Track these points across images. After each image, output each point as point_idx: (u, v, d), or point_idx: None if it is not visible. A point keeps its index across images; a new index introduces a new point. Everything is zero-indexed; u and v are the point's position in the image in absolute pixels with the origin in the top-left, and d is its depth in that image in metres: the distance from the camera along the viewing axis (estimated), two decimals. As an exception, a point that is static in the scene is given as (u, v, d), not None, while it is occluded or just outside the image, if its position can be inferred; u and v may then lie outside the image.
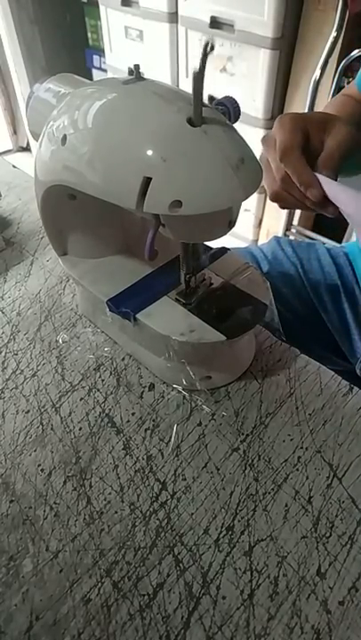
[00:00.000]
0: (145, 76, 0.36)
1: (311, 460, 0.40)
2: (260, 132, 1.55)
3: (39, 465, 0.41)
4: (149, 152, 0.32)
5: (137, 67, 0.35)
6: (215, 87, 1.51)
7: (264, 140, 0.47)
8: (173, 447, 0.42)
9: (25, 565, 0.35)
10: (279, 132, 0.45)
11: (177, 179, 0.32)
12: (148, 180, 0.32)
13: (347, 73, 1.25)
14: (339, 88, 1.29)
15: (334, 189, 0.42)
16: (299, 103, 1.44)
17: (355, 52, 1.17)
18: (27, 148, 2.69)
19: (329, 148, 0.44)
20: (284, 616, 0.33)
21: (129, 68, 0.36)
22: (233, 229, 0.38)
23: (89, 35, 2.17)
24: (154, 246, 0.37)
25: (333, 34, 1.23)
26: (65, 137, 0.36)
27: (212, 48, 0.27)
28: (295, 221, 1.53)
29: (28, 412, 0.45)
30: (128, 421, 0.44)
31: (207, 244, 0.47)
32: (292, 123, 0.44)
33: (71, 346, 0.51)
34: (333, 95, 1.32)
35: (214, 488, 0.39)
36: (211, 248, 0.49)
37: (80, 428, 0.43)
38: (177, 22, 1.58)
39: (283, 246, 0.70)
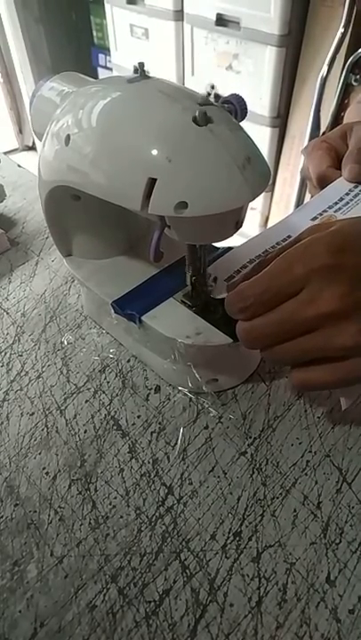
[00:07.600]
0: (150, 75, 0.36)
1: (320, 465, 0.40)
2: (267, 131, 1.54)
3: (44, 468, 0.41)
4: (154, 152, 0.31)
5: (141, 65, 0.35)
6: (221, 85, 1.50)
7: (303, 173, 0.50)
8: (180, 451, 0.41)
9: (29, 571, 0.35)
10: (311, 165, 0.47)
11: (182, 179, 0.31)
12: (152, 181, 0.31)
13: (354, 70, 1.24)
14: (346, 85, 1.28)
15: None
16: (306, 101, 1.43)
17: (362, 49, 1.16)
18: (32, 148, 2.70)
19: (350, 147, 0.46)
20: (293, 624, 0.32)
21: (134, 67, 0.36)
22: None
23: (94, 33, 2.17)
24: (159, 248, 0.36)
25: (341, 30, 1.22)
26: (68, 137, 0.36)
27: (213, 88, 0.29)
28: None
29: (33, 414, 0.45)
30: (134, 424, 0.43)
31: (213, 244, 0.47)
32: (316, 150, 0.47)
33: (76, 347, 0.51)
34: (340, 92, 1.31)
35: (221, 493, 0.38)
36: (217, 248, 0.48)
37: (85, 431, 0.43)
38: (182, 20, 1.58)
39: None
